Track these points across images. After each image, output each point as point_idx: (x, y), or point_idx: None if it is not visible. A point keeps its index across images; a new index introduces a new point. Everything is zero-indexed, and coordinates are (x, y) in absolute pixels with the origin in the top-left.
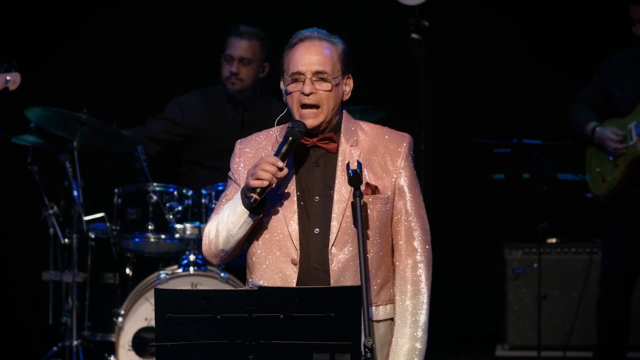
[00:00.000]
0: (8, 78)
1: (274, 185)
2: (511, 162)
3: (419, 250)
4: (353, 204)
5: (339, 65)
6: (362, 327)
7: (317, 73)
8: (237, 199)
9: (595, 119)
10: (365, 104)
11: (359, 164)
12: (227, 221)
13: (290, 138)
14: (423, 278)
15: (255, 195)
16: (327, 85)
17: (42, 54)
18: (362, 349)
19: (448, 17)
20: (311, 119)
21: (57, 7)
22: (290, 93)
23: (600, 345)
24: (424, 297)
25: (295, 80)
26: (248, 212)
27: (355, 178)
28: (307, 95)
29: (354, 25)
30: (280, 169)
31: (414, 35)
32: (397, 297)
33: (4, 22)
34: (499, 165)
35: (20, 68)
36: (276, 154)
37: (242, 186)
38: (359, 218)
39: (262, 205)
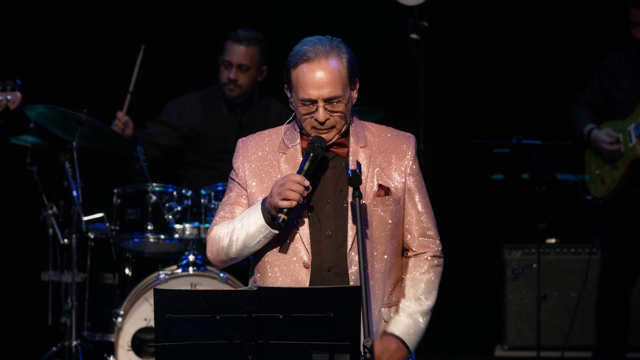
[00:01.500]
0: (9, 97)
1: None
2: (510, 163)
3: (434, 244)
4: (352, 204)
5: (347, 80)
6: (362, 327)
7: (329, 100)
8: (256, 212)
9: (593, 121)
10: (364, 104)
11: (358, 164)
12: (244, 232)
13: (312, 154)
14: (438, 271)
15: (283, 216)
16: (340, 107)
17: (41, 55)
18: (362, 350)
19: (447, 17)
20: (325, 135)
21: (55, 7)
22: (303, 118)
23: (599, 345)
24: (435, 284)
25: (306, 105)
26: (270, 228)
27: (354, 178)
28: (322, 123)
29: (353, 26)
30: (307, 188)
31: (413, 36)
32: (408, 274)
33: (4, 22)
34: (498, 165)
35: (21, 87)
36: (299, 172)
37: (246, 187)
38: (358, 218)
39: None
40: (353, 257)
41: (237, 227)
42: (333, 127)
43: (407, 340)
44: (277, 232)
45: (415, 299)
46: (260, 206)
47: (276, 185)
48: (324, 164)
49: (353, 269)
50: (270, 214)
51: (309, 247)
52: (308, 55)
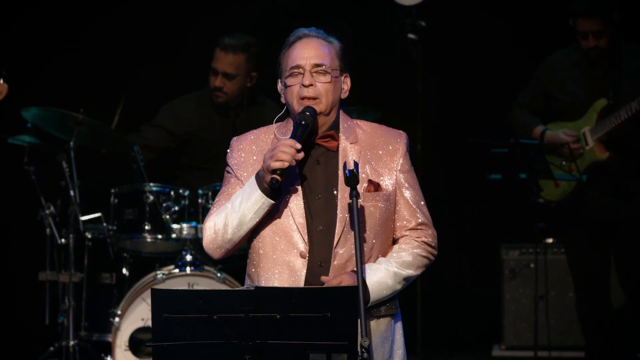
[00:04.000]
0: None
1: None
2: (508, 162)
3: (428, 235)
4: (349, 205)
5: (337, 61)
6: (359, 327)
7: (316, 66)
8: (251, 186)
9: (541, 123)
10: (362, 104)
11: (356, 164)
12: (239, 209)
13: (303, 122)
14: (425, 257)
15: (276, 177)
16: (326, 78)
17: (39, 57)
18: (359, 349)
19: (445, 17)
20: (312, 105)
21: (52, 9)
22: (290, 87)
23: (591, 349)
24: (417, 264)
25: (294, 75)
26: (265, 197)
27: (351, 178)
28: (307, 86)
29: (351, 25)
30: (299, 151)
31: (411, 36)
32: (395, 246)
33: (3, 23)
34: (496, 165)
35: (8, 78)
36: (292, 137)
37: (242, 179)
38: (356, 218)
39: (278, 191)
40: (337, 251)
41: (230, 207)
42: (318, 99)
43: (372, 292)
44: (273, 201)
45: (396, 262)
46: (254, 179)
47: (268, 151)
48: (315, 159)
49: (335, 262)
50: (265, 181)
51: (306, 236)
52: (302, 33)
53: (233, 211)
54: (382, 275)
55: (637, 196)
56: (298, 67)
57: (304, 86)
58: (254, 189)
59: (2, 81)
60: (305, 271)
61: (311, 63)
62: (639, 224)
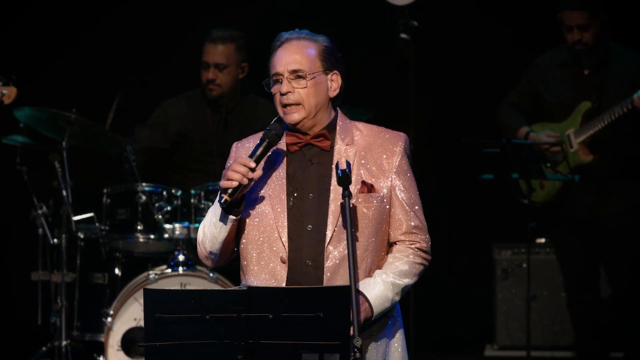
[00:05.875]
0: (4, 92)
1: (249, 186)
2: (500, 162)
3: (422, 240)
4: (342, 205)
5: (319, 62)
6: (352, 327)
7: (293, 72)
8: (217, 201)
9: (527, 124)
10: (355, 104)
11: (348, 164)
12: (209, 223)
13: (267, 140)
14: (421, 263)
15: (225, 196)
16: (303, 83)
17: (34, 57)
18: (351, 349)
19: (437, 17)
20: (294, 114)
21: (49, 11)
22: (275, 98)
23: (582, 349)
24: (414, 272)
25: (276, 82)
26: (225, 214)
27: (344, 178)
28: (285, 94)
29: (343, 25)
30: (253, 170)
31: (403, 35)
32: (391, 255)
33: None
34: (489, 165)
35: (17, 82)
36: (250, 155)
37: None
38: (348, 218)
39: (237, 206)
40: (331, 251)
41: (206, 220)
42: (299, 104)
43: (375, 306)
44: (234, 217)
45: (392, 272)
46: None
47: (225, 169)
48: (309, 159)
49: (329, 263)
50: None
51: (286, 243)
52: (285, 37)
53: (207, 225)
54: (381, 289)
55: (620, 195)
56: (277, 74)
57: (282, 94)
58: (217, 205)
59: (11, 85)
60: (285, 276)
61: (288, 69)
62: (623, 224)
